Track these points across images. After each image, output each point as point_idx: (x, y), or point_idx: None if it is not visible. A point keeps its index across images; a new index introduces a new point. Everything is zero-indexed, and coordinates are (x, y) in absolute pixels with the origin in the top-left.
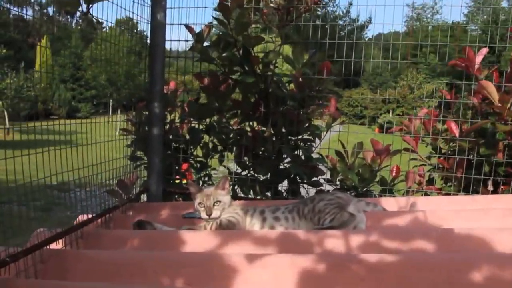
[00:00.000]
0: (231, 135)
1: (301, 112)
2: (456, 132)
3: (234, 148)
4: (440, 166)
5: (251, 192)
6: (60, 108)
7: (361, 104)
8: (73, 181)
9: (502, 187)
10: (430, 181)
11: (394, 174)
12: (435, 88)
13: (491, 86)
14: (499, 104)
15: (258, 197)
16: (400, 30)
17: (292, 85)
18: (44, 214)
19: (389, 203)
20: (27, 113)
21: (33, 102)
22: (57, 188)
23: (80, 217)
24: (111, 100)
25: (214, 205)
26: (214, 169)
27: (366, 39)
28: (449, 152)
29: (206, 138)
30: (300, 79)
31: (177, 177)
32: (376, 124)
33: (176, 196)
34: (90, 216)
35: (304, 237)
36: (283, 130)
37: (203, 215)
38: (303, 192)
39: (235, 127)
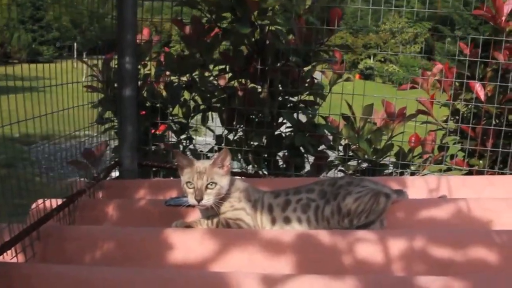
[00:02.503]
0: (216, 93)
1: (304, 69)
2: (482, 94)
3: (222, 109)
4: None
5: (241, 161)
6: (20, 51)
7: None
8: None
9: None
10: (442, 148)
11: (412, 144)
12: (418, 32)
13: None
14: None
15: (251, 170)
16: None
17: None
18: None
19: (416, 184)
20: None
21: None
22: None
23: (37, 205)
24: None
25: (207, 187)
26: (196, 130)
27: None
28: (468, 114)
29: (186, 95)
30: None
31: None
32: (357, 70)
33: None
34: (48, 202)
35: (329, 241)
36: (280, 88)
37: (191, 199)
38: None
39: (221, 84)
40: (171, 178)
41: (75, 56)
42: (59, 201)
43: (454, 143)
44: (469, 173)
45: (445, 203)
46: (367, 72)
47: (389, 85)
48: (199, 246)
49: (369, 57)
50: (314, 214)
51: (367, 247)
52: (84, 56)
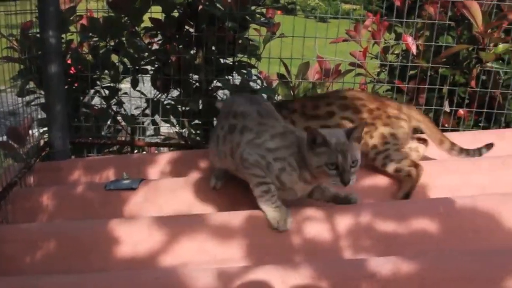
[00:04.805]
0: (146, 55)
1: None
2: (413, 48)
3: (152, 74)
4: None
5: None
6: None
7: None
8: None
9: (461, 110)
10: None
11: None
12: None
13: (476, 7)
14: (482, 29)
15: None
16: None
17: None
18: None
19: None
20: None
21: None
22: None
23: None
24: None
25: (351, 167)
26: (126, 93)
27: None
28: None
29: (114, 58)
30: None
31: None
32: (280, 6)
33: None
34: None
35: None
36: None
37: (336, 182)
38: None
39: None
40: (106, 151)
41: None
42: None
43: (386, 91)
44: None
45: None
46: (290, 7)
47: (311, 20)
48: (148, 237)
49: None
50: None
51: (315, 225)
52: None
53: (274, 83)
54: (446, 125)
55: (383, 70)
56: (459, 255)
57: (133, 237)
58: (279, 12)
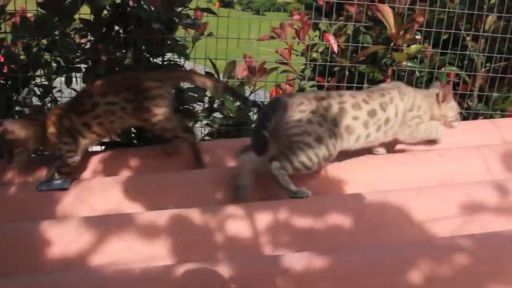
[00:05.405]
0: (79, 53)
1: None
2: (335, 47)
3: (84, 73)
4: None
5: None
6: None
7: None
8: None
9: None
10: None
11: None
12: None
13: (388, 10)
14: (394, 31)
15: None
16: None
17: None
18: None
19: None
20: None
21: None
22: None
23: None
24: None
25: None
26: (60, 91)
27: None
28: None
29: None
30: None
31: None
32: None
33: None
34: None
35: (201, 220)
36: (143, 50)
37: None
38: None
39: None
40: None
41: None
42: None
43: (311, 86)
44: None
45: None
46: (227, 0)
47: (248, 13)
48: (78, 238)
49: None
50: None
51: (237, 223)
52: None
53: None
54: None
55: (308, 67)
56: (369, 249)
57: (64, 238)
58: (217, 4)
